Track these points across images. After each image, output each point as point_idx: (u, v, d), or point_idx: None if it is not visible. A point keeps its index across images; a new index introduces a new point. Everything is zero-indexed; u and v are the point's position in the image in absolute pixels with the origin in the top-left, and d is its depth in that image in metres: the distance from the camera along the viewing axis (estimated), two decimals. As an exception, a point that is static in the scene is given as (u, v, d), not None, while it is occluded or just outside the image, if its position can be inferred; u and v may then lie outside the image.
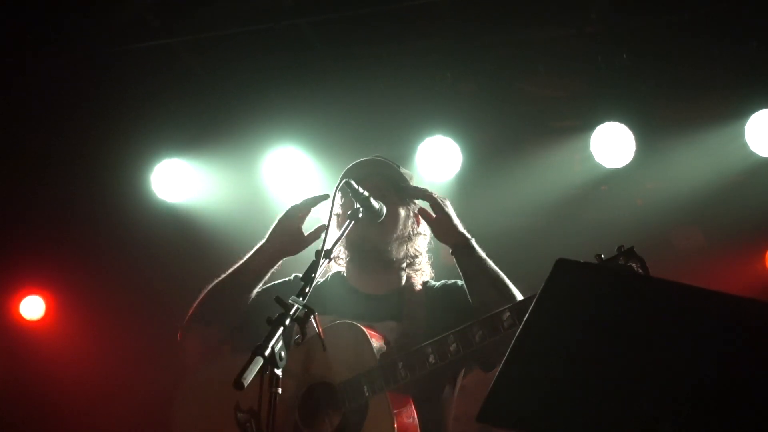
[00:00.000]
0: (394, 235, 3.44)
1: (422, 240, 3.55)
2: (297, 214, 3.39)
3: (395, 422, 2.98)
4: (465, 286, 3.31)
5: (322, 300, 3.40)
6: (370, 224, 3.31)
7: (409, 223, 3.50)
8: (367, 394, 3.06)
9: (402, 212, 3.47)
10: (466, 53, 5.61)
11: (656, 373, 2.24)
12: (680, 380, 2.24)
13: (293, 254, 3.39)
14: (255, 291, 3.38)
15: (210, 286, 3.41)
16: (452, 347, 3.03)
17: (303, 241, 3.36)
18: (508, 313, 2.99)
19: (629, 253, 2.86)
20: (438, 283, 3.56)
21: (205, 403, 3.33)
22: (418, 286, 3.49)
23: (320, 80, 5.87)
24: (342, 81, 5.84)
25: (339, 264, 3.57)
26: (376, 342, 3.15)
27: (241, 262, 3.42)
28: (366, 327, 3.20)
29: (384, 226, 3.36)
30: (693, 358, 2.22)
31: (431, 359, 3.05)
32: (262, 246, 3.41)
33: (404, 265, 3.50)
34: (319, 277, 3.56)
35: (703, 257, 6.11)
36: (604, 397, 2.26)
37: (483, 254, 3.31)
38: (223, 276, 3.42)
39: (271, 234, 3.41)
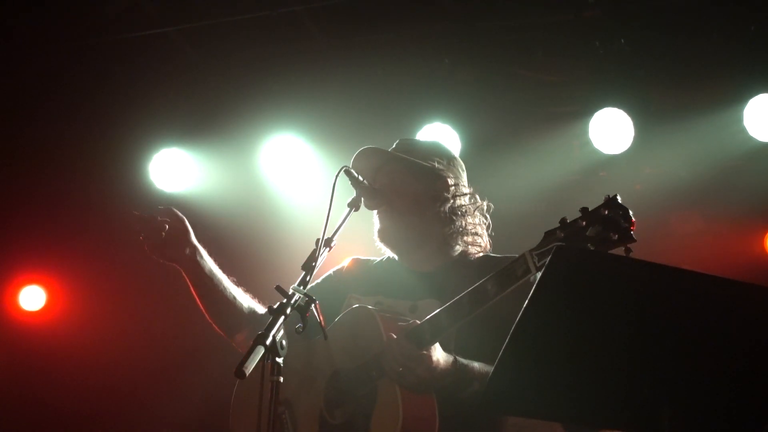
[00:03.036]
0: (411, 213, 3.30)
1: (459, 203, 3.32)
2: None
3: (401, 406, 2.95)
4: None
5: (374, 281, 3.39)
6: (379, 210, 3.30)
7: (428, 197, 3.30)
8: (374, 378, 3.04)
9: (415, 189, 3.31)
10: (464, 39, 5.59)
11: (655, 358, 2.24)
12: (680, 365, 2.25)
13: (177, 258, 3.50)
14: (228, 291, 3.47)
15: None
16: (430, 333, 2.97)
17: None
18: (490, 284, 2.87)
19: (592, 215, 2.86)
20: (499, 256, 3.33)
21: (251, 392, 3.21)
22: (471, 260, 3.34)
23: (318, 67, 5.86)
24: (339, 68, 5.82)
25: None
26: (390, 324, 3.08)
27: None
28: (384, 310, 3.15)
29: (394, 208, 3.29)
30: (691, 342, 2.23)
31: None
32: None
33: (448, 236, 3.31)
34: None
35: (702, 242, 6.11)
36: (604, 383, 2.27)
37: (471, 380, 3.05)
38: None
39: None
